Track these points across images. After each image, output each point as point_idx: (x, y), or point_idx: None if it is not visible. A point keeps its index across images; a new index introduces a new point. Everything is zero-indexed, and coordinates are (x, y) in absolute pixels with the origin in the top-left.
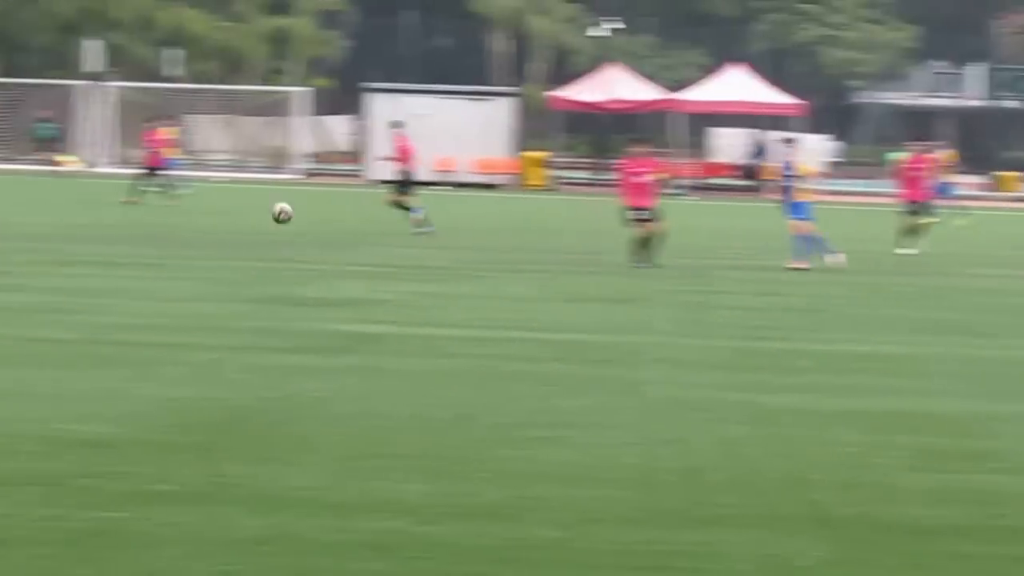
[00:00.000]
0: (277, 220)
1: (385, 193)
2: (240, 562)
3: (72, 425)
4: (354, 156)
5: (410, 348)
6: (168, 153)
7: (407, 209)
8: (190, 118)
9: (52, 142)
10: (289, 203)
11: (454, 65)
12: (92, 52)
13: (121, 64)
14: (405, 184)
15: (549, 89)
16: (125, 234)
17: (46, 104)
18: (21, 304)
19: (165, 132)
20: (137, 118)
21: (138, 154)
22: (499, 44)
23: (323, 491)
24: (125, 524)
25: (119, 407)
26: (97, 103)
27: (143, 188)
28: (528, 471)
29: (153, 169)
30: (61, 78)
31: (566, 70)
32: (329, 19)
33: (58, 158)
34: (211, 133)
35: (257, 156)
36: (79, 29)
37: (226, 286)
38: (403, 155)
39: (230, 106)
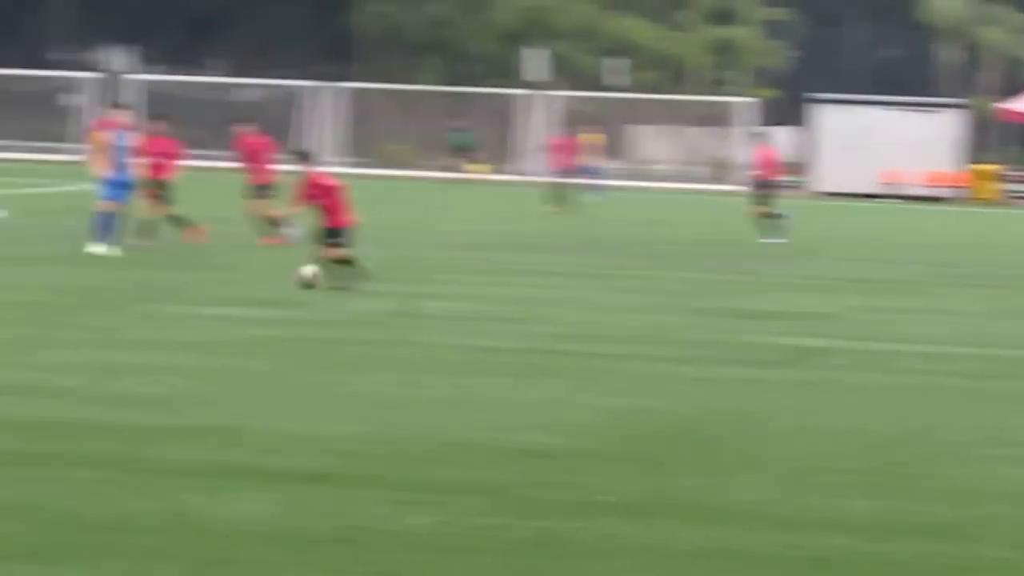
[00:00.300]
0: (307, 285)
1: (751, 206)
2: (682, 575)
3: (515, 435)
4: (798, 168)
5: (855, 363)
6: (582, 160)
7: (774, 217)
8: (632, 128)
9: (466, 150)
10: (722, 215)
11: (901, 76)
12: (534, 61)
13: (562, 73)
14: (765, 194)
15: (999, 101)
16: (558, 243)
17: (486, 113)
18: (464, 313)
19: (584, 139)
20: (577, 127)
21: (560, 162)
22: (947, 55)
23: (767, 505)
24: (566, 535)
25: (561, 417)
26: (538, 112)
27: (564, 196)
28: (980, 489)
29: (565, 175)
30: (502, 87)
31: (1018, 82)
32: (774, 29)
33: (468, 166)
34: (653, 143)
35: (699, 167)
36: (521, 38)
37: (666, 297)
38: (766, 166)
39: (671, 116)
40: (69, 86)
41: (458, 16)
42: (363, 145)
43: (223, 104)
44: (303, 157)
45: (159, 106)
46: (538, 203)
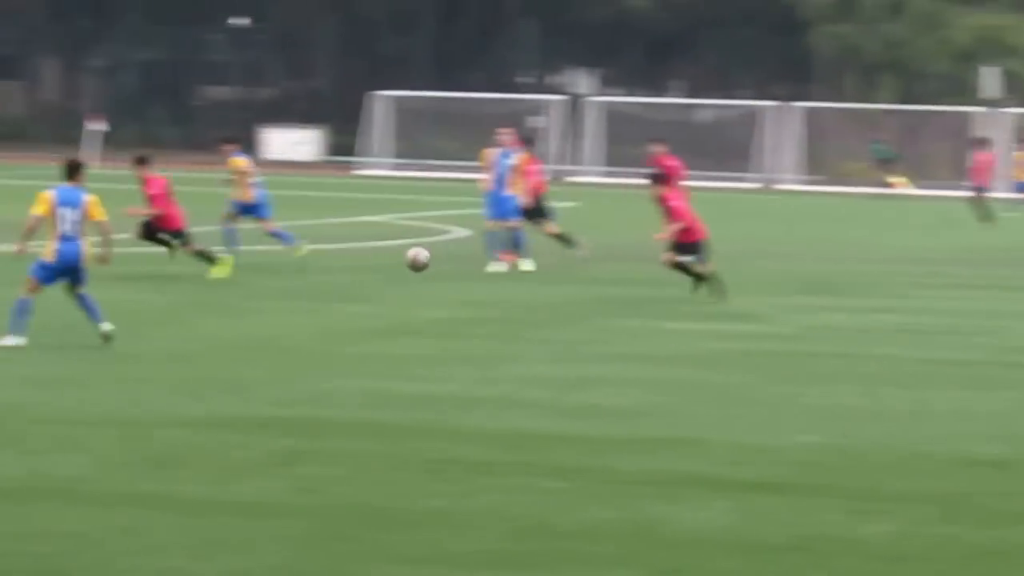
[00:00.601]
0: (415, 268)
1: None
2: None
3: (971, 445)
4: None
5: None
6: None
7: None
8: None
9: (888, 162)
10: None
11: None
12: (989, 79)
13: (1014, 91)
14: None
15: None
16: (1004, 258)
17: (941, 131)
18: (922, 326)
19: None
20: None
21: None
22: None
23: None
24: (1021, 545)
25: (1018, 428)
26: (994, 129)
27: (989, 210)
28: None
29: (988, 190)
30: (957, 104)
31: None
32: None
33: (890, 179)
34: None
35: None
36: (975, 56)
37: None
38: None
39: None
40: (535, 109)
41: (914, 36)
42: (817, 163)
43: (682, 125)
44: (656, 179)
45: (619, 127)
46: (973, 217)
